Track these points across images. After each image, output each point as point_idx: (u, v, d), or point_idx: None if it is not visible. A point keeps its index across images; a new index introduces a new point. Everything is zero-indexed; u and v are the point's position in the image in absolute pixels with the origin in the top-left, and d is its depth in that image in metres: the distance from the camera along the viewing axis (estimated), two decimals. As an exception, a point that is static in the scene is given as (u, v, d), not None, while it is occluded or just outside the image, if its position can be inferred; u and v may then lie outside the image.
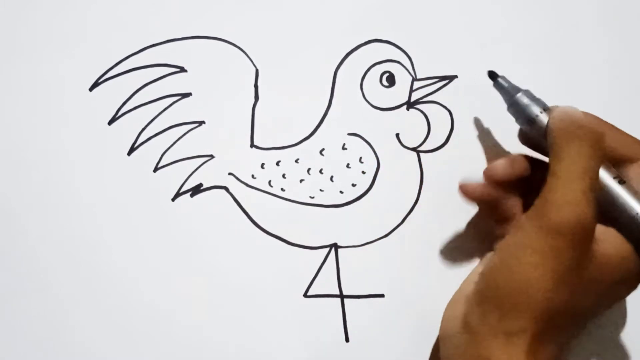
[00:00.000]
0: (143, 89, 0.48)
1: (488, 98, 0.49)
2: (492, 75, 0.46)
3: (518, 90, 0.44)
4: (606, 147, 0.41)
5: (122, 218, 0.47)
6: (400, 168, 0.49)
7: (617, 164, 0.42)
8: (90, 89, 0.48)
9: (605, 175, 0.41)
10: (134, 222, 0.47)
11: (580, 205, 0.38)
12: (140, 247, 0.47)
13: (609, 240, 0.39)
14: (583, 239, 0.38)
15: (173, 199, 0.48)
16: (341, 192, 0.48)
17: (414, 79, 0.49)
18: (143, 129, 0.48)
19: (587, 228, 0.38)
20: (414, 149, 0.49)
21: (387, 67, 0.49)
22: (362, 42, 0.49)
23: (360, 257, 0.48)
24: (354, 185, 0.48)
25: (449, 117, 0.49)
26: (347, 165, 0.48)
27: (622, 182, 0.41)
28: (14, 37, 0.48)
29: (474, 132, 0.49)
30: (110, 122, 0.48)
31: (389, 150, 0.49)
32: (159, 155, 0.48)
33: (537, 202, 0.39)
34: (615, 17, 0.52)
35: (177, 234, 0.47)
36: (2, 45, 0.48)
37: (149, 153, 0.48)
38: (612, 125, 0.43)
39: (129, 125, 0.48)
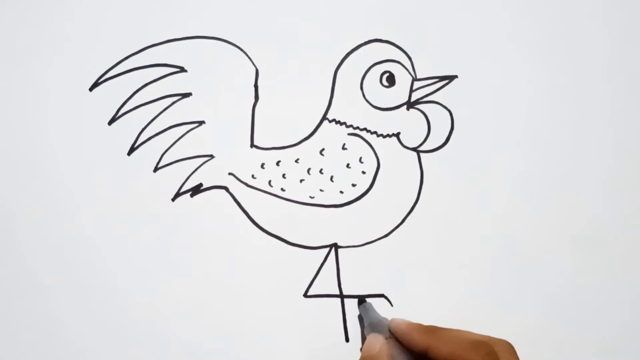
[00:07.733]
0: (143, 89, 0.48)
1: (488, 98, 0.49)
2: (360, 300, 0.47)
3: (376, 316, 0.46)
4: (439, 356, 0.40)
5: (122, 218, 0.47)
6: (400, 168, 0.49)
7: None
8: (90, 89, 0.48)
9: None
10: (134, 222, 0.47)
11: None
12: (140, 247, 0.47)
13: None
14: None
15: (173, 199, 0.48)
16: (341, 192, 0.48)
17: (414, 79, 0.49)
18: (143, 129, 0.48)
19: None
20: (414, 149, 0.49)
21: (387, 67, 0.49)
22: (362, 42, 0.49)
23: (360, 257, 0.48)
24: (354, 185, 0.48)
25: (449, 117, 0.49)
26: (347, 165, 0.48)
27: None
28: (14, 38, 0.48)
29: (474, 132, 0.49)
30: (110, 122, 0.48)
31: (389, 150, 0.49)
32: (159, 155, 0.48)
33: None
34: (617, 17, 0.52)
35: (177, 234, 0.47)
36: (2, 46, 0.48)
37: (149, 153, 0.48)
38: (444, 333, 0.41)
39: (129, 125, 0.48)
